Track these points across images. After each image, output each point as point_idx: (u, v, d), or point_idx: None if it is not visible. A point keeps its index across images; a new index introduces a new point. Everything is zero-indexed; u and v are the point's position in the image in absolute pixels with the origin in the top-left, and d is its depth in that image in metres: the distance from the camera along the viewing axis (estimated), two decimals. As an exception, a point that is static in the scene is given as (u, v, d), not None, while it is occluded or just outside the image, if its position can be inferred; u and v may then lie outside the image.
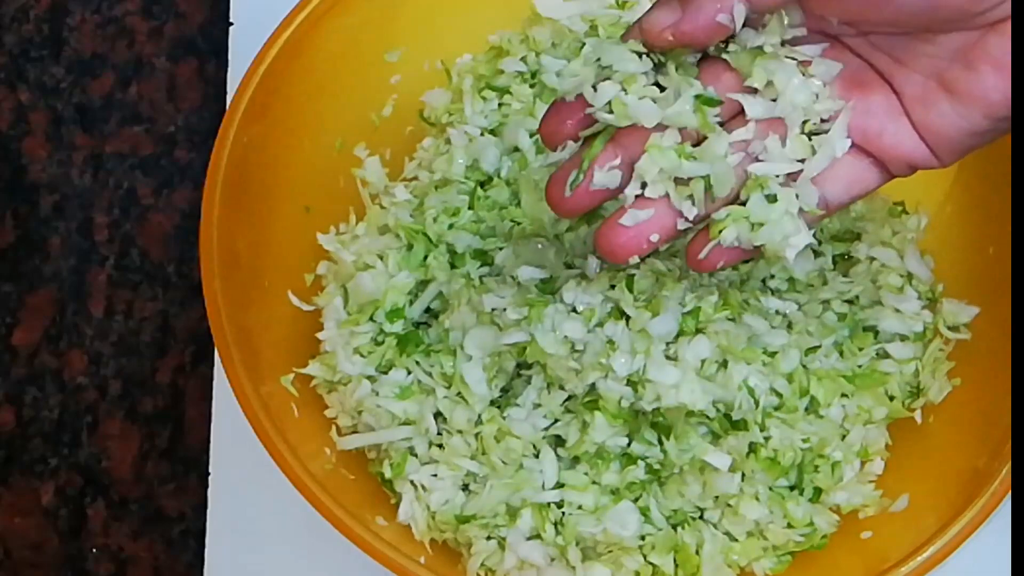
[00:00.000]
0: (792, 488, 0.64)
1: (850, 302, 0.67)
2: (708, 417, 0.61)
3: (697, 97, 0.51)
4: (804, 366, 0.64)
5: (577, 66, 0.52)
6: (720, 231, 0.52)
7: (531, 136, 0.69)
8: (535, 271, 0.64)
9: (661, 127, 0.51)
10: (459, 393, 0.64)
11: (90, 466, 0.75)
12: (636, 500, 0.63)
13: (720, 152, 0.51)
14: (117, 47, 0.83)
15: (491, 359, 0.64)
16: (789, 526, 0.64)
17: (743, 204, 0.52)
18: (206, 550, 0.72)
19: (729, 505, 0.64)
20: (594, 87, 0.51)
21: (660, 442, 0.63)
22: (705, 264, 0.53)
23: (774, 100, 0.52)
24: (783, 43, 0.51)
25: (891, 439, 0.66)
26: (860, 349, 0.66)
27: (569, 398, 0.64)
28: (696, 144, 0.52)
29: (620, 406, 0.61)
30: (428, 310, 0.67)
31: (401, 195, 0.70)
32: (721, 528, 0.64)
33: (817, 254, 0.68)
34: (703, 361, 0.61)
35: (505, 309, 0.62)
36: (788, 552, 0.64)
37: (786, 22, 0.50)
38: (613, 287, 0.61)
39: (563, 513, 0.63)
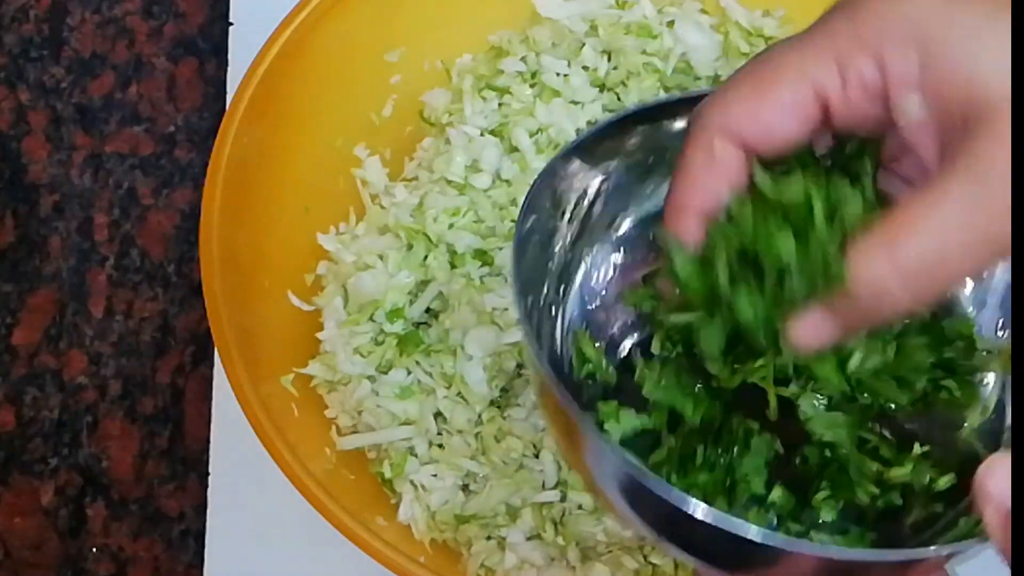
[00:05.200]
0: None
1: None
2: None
3: None
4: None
5: None
6: None
7: (531, 136, 0.70)
8: None
9: None
10: (459, 393, 0.64)
11: (90, 466, 0.75)
12: (636, 500, 0.63)
13: None
14: (117, 47, 0.83)
15: (491, 359, 0.64)
16: (789, 526, 0.64)
17: None
18: (206, 550, 0.72)
19: (729, 505, 0.64)
20: None
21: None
22: None
23: None
24: None
25: (891, 439, 0.66)
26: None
27: (569, 398, 0.64)
28: None
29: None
30: (428, 310, 0.67)
31: (401, 195, 0.70)
32: (721, 528, 0.64)
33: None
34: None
35: (506, 309, 0.62)
36: (788, 552, 0.64)
37: None
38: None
39: (564, 513, 0.63)
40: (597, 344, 0.57)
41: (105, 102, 0.82)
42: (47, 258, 0.79)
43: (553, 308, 0.57)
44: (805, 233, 0.44)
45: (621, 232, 0.59)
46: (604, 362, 0.56)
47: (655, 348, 0.51)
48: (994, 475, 0.40)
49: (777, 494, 0.51)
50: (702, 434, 0.52)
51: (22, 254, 0.79)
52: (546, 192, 0.55)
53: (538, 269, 0.56)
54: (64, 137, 0.81)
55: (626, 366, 0.57)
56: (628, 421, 0.52)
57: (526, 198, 0.53)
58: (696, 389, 0.53)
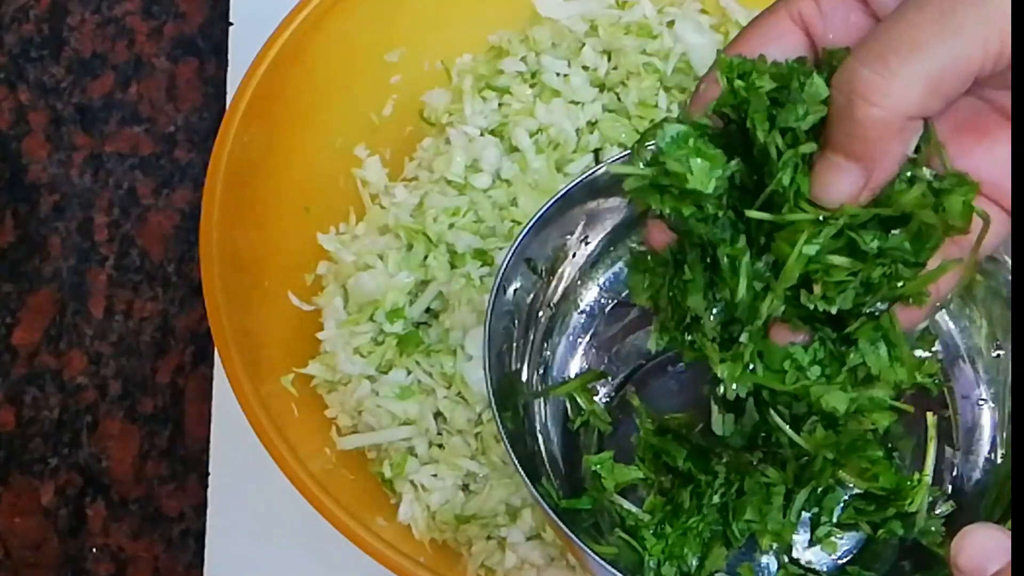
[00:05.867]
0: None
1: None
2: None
3: None
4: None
5: None
6: None
7: (531, 136, 0.70)
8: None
9: None
10: (459, 393, 0.64)
11: (90, 466, 0.75)
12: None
13: None
14: (117, 47, 0.83)
15: (491, 359, 0.64)
16: (789, 526, 0.64)
17: None
18: (206, 550, 0.72)
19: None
20: None
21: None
22: None
23: None
24: None
25: (891, 439, 0.66)
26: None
27: (569, 398, 0.64)
28: None
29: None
30: (428, 310, 0.67)
31: (401, 195, 0.70)
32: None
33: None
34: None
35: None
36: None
37: None
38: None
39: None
40: (592, 388, 0.60)
41: (105, 102, 0.82)
42: (47, 258, 0.79)
43: (544, 367, 0.60)
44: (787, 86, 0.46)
45: (608, 275, 0.61)
46: (599, 410, 0.59)
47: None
48: (964, 550, 0.41)
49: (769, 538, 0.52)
50: (693, 480, 0.54)
51: (22, 254, 0.79)
52: (519, 265, 0.58)
53: (519, 339, 0.59)
54: (64, 137, 0.81)
55: (622, 404, 0.61)
56: (621, 473, 0.54)
57: (499, 276, 0.55)
58: (688, 441, 0.55)
